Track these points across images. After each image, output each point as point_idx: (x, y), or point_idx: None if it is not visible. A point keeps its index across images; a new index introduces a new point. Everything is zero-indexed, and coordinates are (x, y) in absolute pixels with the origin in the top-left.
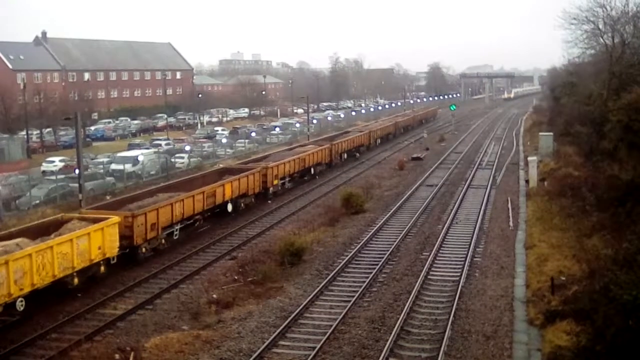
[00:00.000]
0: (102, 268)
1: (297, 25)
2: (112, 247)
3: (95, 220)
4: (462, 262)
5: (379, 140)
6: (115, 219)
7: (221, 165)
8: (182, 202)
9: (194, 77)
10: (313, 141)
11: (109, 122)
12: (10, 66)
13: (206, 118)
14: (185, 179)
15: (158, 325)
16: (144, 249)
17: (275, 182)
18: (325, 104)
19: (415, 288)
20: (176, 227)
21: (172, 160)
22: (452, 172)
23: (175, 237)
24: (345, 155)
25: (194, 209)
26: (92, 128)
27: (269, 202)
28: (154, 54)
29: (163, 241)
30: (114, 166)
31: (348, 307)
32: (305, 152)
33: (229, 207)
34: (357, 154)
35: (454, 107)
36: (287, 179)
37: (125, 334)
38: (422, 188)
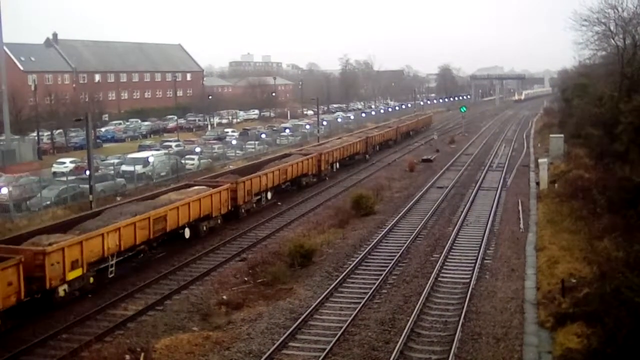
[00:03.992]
0: None
1: (307, 27)
2: None
3: None
4: (473, 264)
5: (336, 165)
6: None
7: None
8: None
9: (204, 79)
10: (209, 178)
11: (120, 124)
12: (21, 67)
13: (216, 119)
14: None
15: (168, 326)
16: None
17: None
18: (335, 105)
19: (426, 290)
20: None
21: (183, 161)
22: (463, 174)
23: None
24: (269, 196)
25: None
26: (103, 129)
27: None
28: (165, 55)
29: None
30: (124, 167)
31: (358, 308)
32: (181, 200)
33: None
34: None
35: (465, 108)
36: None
37: (135, 334)
38: (432, 190)
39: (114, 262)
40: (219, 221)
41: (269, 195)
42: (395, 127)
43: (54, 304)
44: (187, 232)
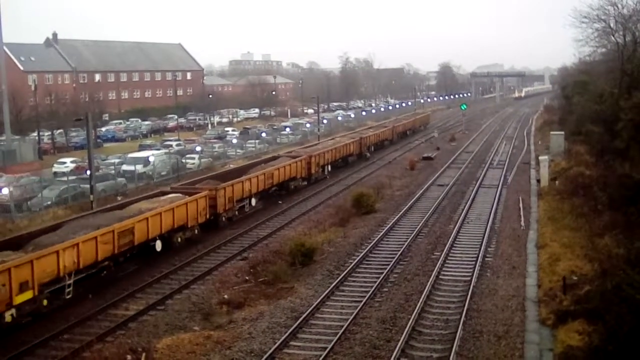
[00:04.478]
0: None
1: (307, 26)
2: None
3: None
4: (474, 262)
5: (328, 167)
6: None
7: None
8: None
9: (204, 78)
10: (186, 184)
11: (120, 123)
12: (21, 67)
13: (216, 118)
14: None
15: (169, 325)
16: None
17: None
18: (335, 104)
19: (427, 288)
20: None
21: (183, 160)
22: (463, 171)
23: None
24: (253, 203)
25: None
26: (103, 129)
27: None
28: (165, 54)
29: None
30: (125, 167)
31: (359, 307)
32: (152, 210)
33: None
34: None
35: (465, 106)
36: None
37: (136, 334)
38: (433, 188)
39: (71, 281)
40: (196, 231)
41: (254, 201)
42: (392, 126)
43: (1, 331)
44: (158, 245)
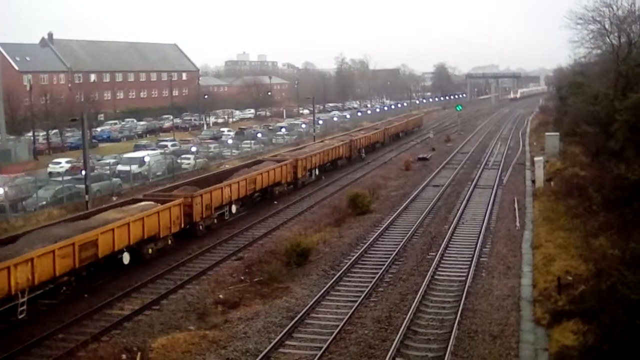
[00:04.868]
0: None
1: (303, 26)
2: None
3: None
4: (469, 262)
5: (316, 171)
6: None
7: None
8: None
9: (200, 78)
10: (162, 190)
11: (115, 123)
12: (16, 67)
13: (212, 119)
14: None
15: (165, 325)
16: None
17: None
18: (331, 104)
19: (422, 288)
20: None
21: (179, 161)
22: (459, 172)
23: None
24: (233, 210)
25: None
26: (99, 129)
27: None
28: (160, 55)
29: None
30: (120, 167)
31: (354, 307)
32: (119, 220)
33: None
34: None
35: (460, 107)
36: None
37: (132, 334)
38: (428, 188)
39: (25, 299)
40: (170, 242)
41: (234, 208)
42: (383, 128)
43: None
44: (126, 257)
